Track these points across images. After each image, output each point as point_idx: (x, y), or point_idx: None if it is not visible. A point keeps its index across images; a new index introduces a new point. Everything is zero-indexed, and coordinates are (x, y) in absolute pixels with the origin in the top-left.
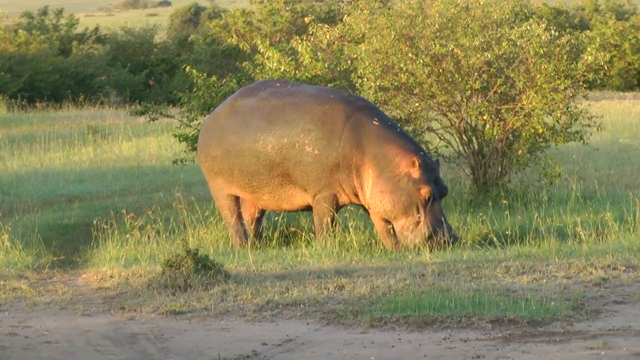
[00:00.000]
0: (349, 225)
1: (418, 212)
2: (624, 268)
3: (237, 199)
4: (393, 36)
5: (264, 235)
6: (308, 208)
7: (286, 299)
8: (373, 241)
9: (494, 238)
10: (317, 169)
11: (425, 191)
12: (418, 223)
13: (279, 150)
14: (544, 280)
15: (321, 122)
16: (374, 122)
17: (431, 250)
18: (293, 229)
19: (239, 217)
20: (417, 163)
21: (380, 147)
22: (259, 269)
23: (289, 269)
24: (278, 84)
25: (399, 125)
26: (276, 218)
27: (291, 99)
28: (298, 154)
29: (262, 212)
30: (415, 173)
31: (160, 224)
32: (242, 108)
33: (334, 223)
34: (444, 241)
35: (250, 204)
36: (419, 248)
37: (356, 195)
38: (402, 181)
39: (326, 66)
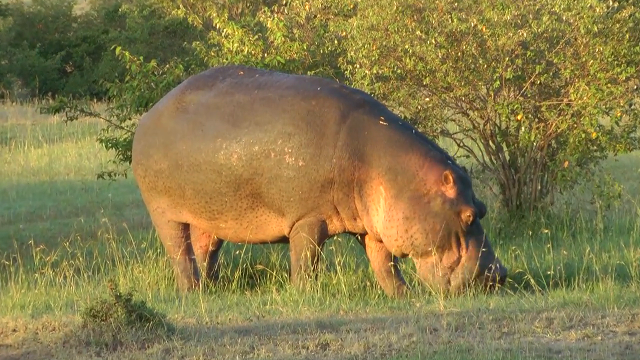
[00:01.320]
0: (336, 262)
1: (459, 244)
2: None
3: (186, 226)
4: (395, 7)
5: (220, 276)
6: (285, 239)
7: None
8: (368, 283)
9: (532, 280)
10: (302, 186)
11: (467, 214)
12: (460, 259)
13: (248, 162)
14: (599, 337)
15: (306, 124)
16: (381, 123)
17: (478, 293)
18: (260, 267)
19: (188, 250)
20: (451, 177)
21: (396, 156)
22: (213, 321)
23: (255, 321)
24: (241, 72)
25: (413, 126)
26: (237, 252)
27: (263, 92)
28: (275, 167)
29: (219, 244)
30: (451, 191)
31: (81, 259)
32: (195, 105)
33: (317, 259)
34: (498, 279)
35: (202, 232)
36: (430, 293)
37: (355, 221)
38: (435, 203)
39: (305, 48)
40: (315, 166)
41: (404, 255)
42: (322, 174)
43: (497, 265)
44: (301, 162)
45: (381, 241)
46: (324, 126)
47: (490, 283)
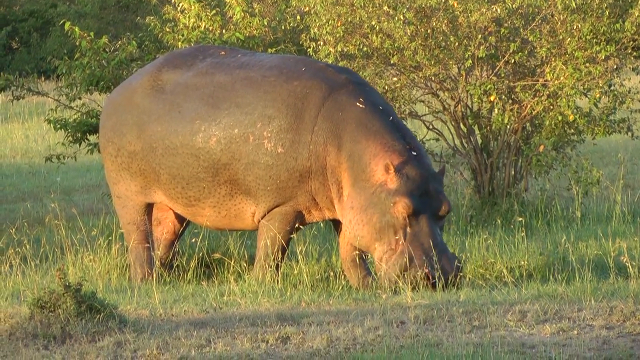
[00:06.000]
0: (298, 251)
1: (396, 237)
2: None
3: (150, 211)
4: None
5: (175, 265)
6: None
7: (207, 355)
8: (331, 274)
9: (505, 271)
10: (280, 175)
11: (401, 205)
12: (394, 252)
13: (227, 145)
14: (575, 332)
15: (286, 106)
16: (358, 104)
17: (406, 289)
18: (217, 256)
19: (144, 238)
20: (391, 167)
21: (357, 142)
22: (168, 313)
23: (212, 313)
24: (223, 52)
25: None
26: (193, 240)
27: (244, 72)
28: (252, 152)
29: (177, 233)
30: (392, 182)
31: (28, 247)
32: (172, 85)
33: (278, 249)
34: (426, 276)
35: (155, 219)
36: (395, 285)
37: (335, 210)
38: (375, 194)
39: (265, 23)
40: (294, 153)
41: (362, 247)
42: (301, 163)
43: (441, 263)
44: (280, 149)
45: None
46: (304, 110)
47: (422, 280)
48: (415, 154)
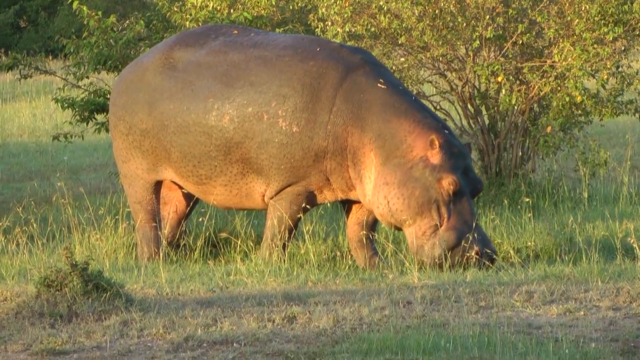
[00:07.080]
0: (304, 231)
1: (439, 212)
2: None
3: (158, 189)
4: None
5: (182, 244)
6: None
7: (213, 334)
8: (338, 253)
9: (511, 251)
10: (294, 154)
11: (448, 181)
12: (437, 227)
13: (240, 124)
14: (582, 313)
15: (302, 86)
16: (379, 85)
17: (453, 267)
18: (224, 235)
19: (152, 216)
20: (436, 143)
21: (387, 121)
22: (174, 292)
23: (218, 292)
24: (235, 31)
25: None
26: (200, 219)
27: (258, 51)
28: (266, 131)
29: (184, 213)
30: (435, 157)
31: (35, 225)
32: (185, 63)
33: (285, 229)
34: (475, 255)
35: (163, 197)
36: (403, 264)
37: (349, 191)
38: (416, 169)
39: (273, 3)
40: (310, 133)
41: (394, 227)
42: (317, 143)
43: (486, 245)
44: (295, 128)
45: (370, 211)
46: (320, 90)
47: (473, 259)
48: (448, 131)
